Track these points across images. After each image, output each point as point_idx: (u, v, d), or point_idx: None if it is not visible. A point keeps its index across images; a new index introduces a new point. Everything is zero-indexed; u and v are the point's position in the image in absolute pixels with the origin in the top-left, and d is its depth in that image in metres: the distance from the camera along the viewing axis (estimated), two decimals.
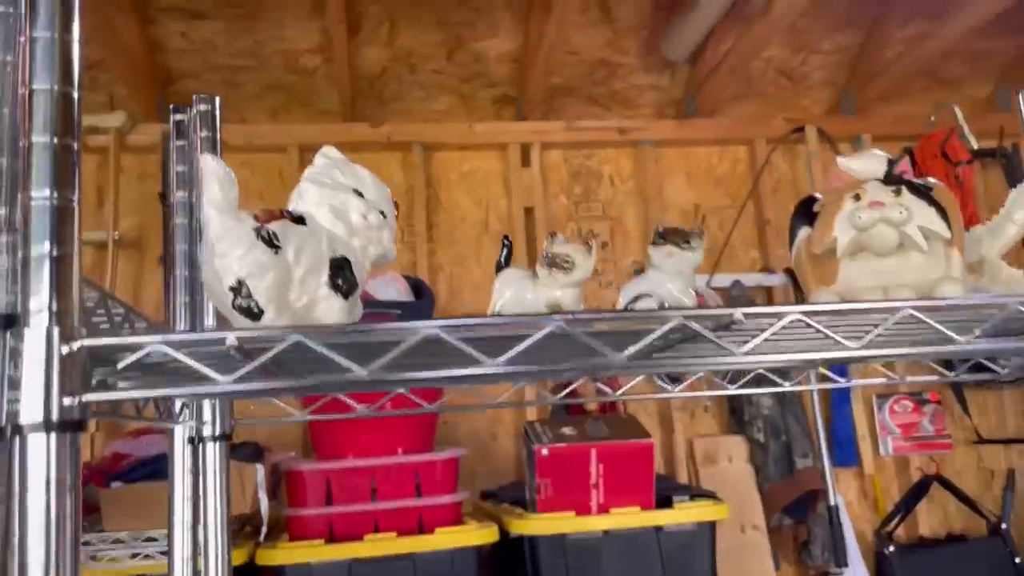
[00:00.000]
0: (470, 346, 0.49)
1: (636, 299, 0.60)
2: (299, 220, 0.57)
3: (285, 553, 1.96)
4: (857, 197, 0.60)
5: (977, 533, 2.93)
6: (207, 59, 2.96)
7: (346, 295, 0.57)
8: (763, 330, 0.49)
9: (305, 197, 0.59)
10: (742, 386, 0.96)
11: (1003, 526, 2.82)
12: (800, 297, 3.03)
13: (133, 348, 0.46)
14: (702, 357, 0.50)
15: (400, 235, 3.00)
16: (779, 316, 0.49)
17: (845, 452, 2.99)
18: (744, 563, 2.79)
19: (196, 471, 0.90)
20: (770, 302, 3.10)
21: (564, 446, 2.12)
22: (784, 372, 1.11)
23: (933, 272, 0.59)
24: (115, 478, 2.02)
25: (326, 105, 3.07)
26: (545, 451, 2.10)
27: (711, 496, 2.29)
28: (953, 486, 2.88)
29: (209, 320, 0.90)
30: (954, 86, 3.32)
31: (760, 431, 2.90)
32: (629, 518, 2.11)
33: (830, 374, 0.97)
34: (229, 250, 0.53)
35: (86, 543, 1.90)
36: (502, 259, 0.64)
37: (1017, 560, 2.77)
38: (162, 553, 1.88)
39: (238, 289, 0.53)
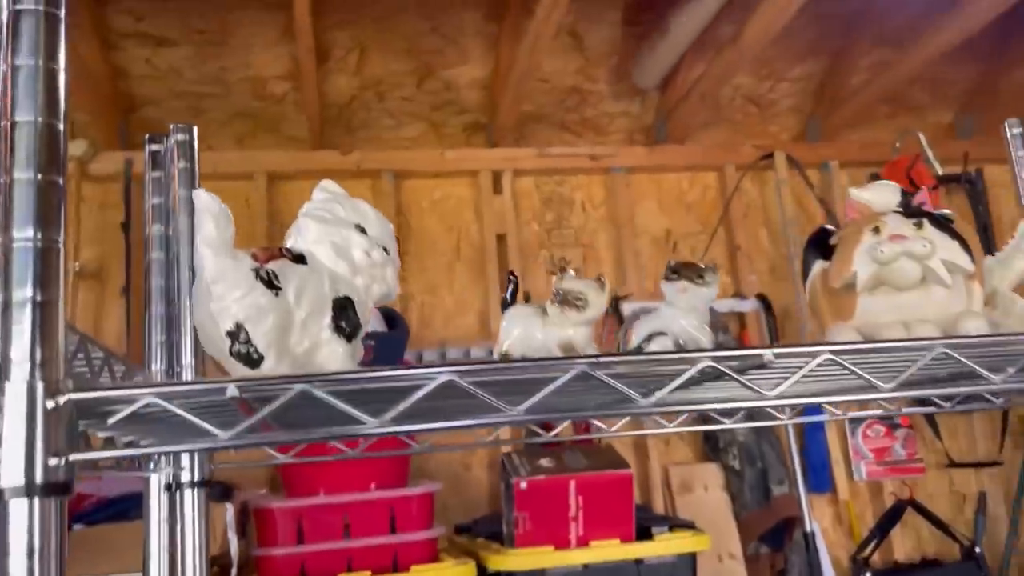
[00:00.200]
0: (484, 390, 0.46)
1: (649, 338, 0.58)
2: (299, 259, 0.54)
3: None
4: (877, 230, 0.58)
5: (951, 557, 2.94)
6: (172, 86, 2.91)
7: (349, 337, 0.54)
8: (792, 369, 0.47)
9: (305, 234, 0.56)
10: (735, 420, 0.94)
11: (976, 550, 2.83)
12: (773, 323, 3.05)
13: (126, 401, 0.42)
14: (731, 401, 0.47)
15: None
16: (811, 356, 0.47)
17: (820, 478, 2.98)
18: None
19: (173, 519, 0.86)
20: (743, 328, 3.11)
21: (543, 478, 2.08)
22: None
23: (954, 306, 0.57)
24: (77, 519, 1.94)
25: (294, 132, 3.03)
26: (524, 484, 2.06)
27: (690, 526, 2.27)
28: (926, 510, 2.89)
29: (187, 358, 0.85)
30: (917, 113, 3.38)
31: (735, 458, 2.89)
32: (609, 551, 2.07)
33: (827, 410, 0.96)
34: (227, 292, 0.49)
35: None
36: (509, 295, 0.61)
37: None
38: None
39: (236, 334, 0.49)
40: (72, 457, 0.40)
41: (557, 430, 1.03)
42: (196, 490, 0.85)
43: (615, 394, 0.46)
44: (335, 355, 0.52)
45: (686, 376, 0.45)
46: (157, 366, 0.86)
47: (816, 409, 0.94)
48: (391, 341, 2.26)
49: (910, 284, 0.57)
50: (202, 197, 0.50)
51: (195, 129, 0.92)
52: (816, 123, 3.33)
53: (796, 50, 3.11)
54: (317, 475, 2.05)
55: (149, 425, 0.55)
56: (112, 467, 0.70)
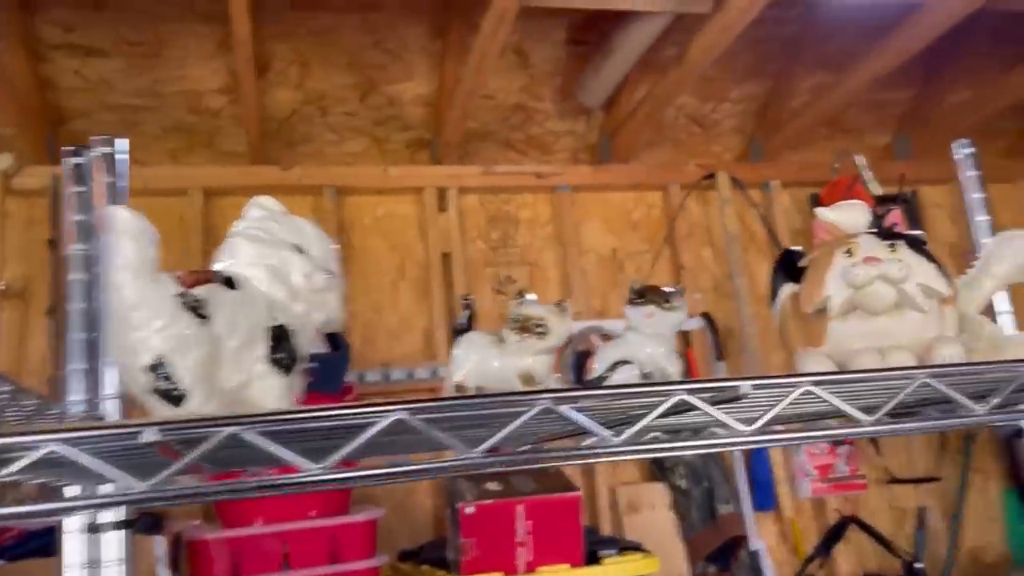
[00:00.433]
0: (438, 428, 0.41)
1: (614, 366, 0.54)
2: (231, 283, 0.49)
3: None
4: (849, 252, 0.56)
5: (893, 572, 2.97)
6: (102, 98, 2.80)
7: (287, 370, 0.49)
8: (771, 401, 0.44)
9: (237, 256, 0.51)
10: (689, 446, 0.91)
11: (917, 565, 2.86)
12: (717, 340, 3.06)
13: (25, 448, 0.37)
14: (708, 437, 0.44)
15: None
16: (789, 387, 0.43)
17: (764, 496, 2.99)
18: None
19: (94, 563, 0.78)
20: (688, 346, 3.11)
21: (490, 503, 2.03)
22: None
23: (929, 331, 0.55)
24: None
25: (232, 147, 2.95)
26: (470, 509, 2.00)
27: (639, 548, 2.24)
28: (868, 527, 2.91)
29: (109, 391, 0.79)
30: (856, 135, 3.44)
31: (682, 477, 2.88)
32: None
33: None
34: (146, 322, 0.44)
35: None
36: (464, 321, 0.56)
37: None
38: None
39: (156, 368, 0.44)
40: None
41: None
42: (120, 531, 0.78)
43: (578, 429, 0.43)
44: (271, 390, 0.47)
45: (659, 411, 0.41)
46: (75, 397, 0.79)
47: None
48: (333, 362, 2.19)
49: (884, 309, 0.54)
50: (120, 215, 0.45)
51: (119, 142, 0.86)
52: (758, 144, 3.37)
53: (739, 72, 3.15)
54: (254, 504, 1.97)
55: (60, 467, 0.49)
56: (17, 516, 0.63)
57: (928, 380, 0.45)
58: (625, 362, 0.53)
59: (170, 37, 2.72)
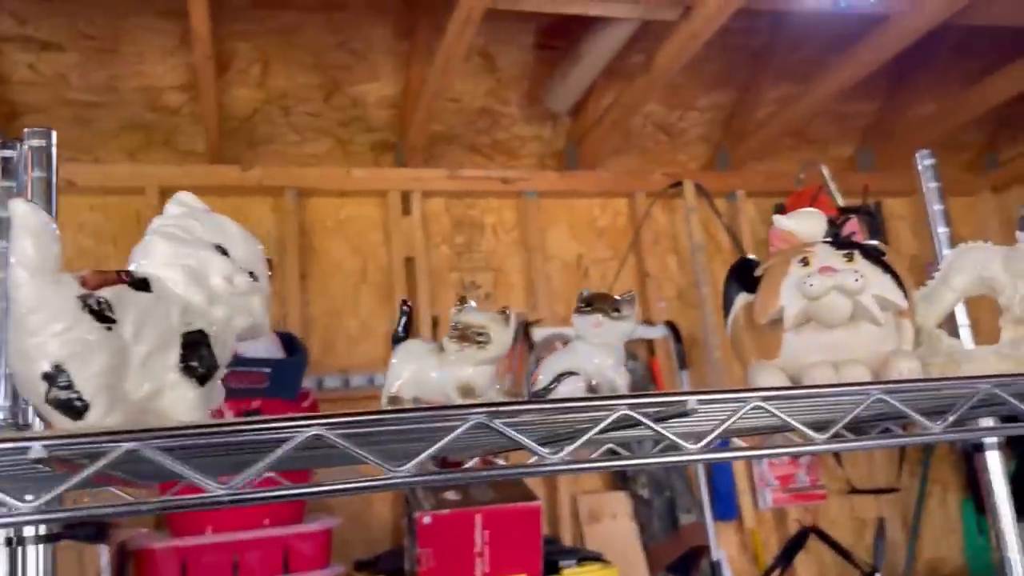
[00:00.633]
0: (363, 445, 0.38)
1: (559, 378, 0.51)
2: (142, 284, 0.45)
3: None
4: (805, 261, 0.53)
5: None
6: (57, 93, 2.72)
7: (202, 380, 0.45)
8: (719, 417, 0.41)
9: (152, 255, 0.47)
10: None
11: (876, 575, 2.87)
12: (681, 349, 3.05)
13: None
14: (650, 457, 0.41)
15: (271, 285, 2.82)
16: (738, 403, 0.41)
17: (726, 506, 2.99)
18: None
19: None
20: (651, 355, 3.10)
21: (447, 512, 2.00)
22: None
23: (884, 345, 0.53)
24: None
25: (191, 146, 2.89)
26: (427, 519, 1.97)
27: (598, 559, 2.22)
28: (828, 537, 2.92)
29: (2, 400, 0.74)
30: (820, 146, 3.46)
31: (644, 487, 2.86)
32: None
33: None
34: (44, 325, 0.40)
35: None
36: (400, 328, 0.53)
37: None
38: None
39: (55, 377, 0.40)
40: None
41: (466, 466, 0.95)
42: (43, 546, 0.74)
43: (518, 446, 0.40)
44: (182, 401, 0.44)
45: (601, 427, 0.39)
46: None
47: (725, 444, 0.89)
48: (288, 368, 2.15)
49: (840, 321, 0.52)
50: (18, 209, 0.41)
51: (54, 134, 0.81)
52: (724, 153, 3.37)
53: (706, 81, 3.15)
54: (205, 512, 1.92)
55: None
56: None
57: (883, 396, 0.43)
58: (571, 373, 0.50)
59: (128, 32, 2.65)
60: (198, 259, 0.47)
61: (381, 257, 2.97)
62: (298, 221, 2.89)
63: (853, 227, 0.56)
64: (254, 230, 0.60)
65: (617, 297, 0.52)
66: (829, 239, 0.56)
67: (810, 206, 3.13)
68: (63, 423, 0.41)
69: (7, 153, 0.84)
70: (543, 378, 0.51)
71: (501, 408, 0.38)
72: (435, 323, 2.93)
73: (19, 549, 0.75)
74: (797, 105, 3.01)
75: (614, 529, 2.86)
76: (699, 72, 3.05)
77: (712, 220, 3.24)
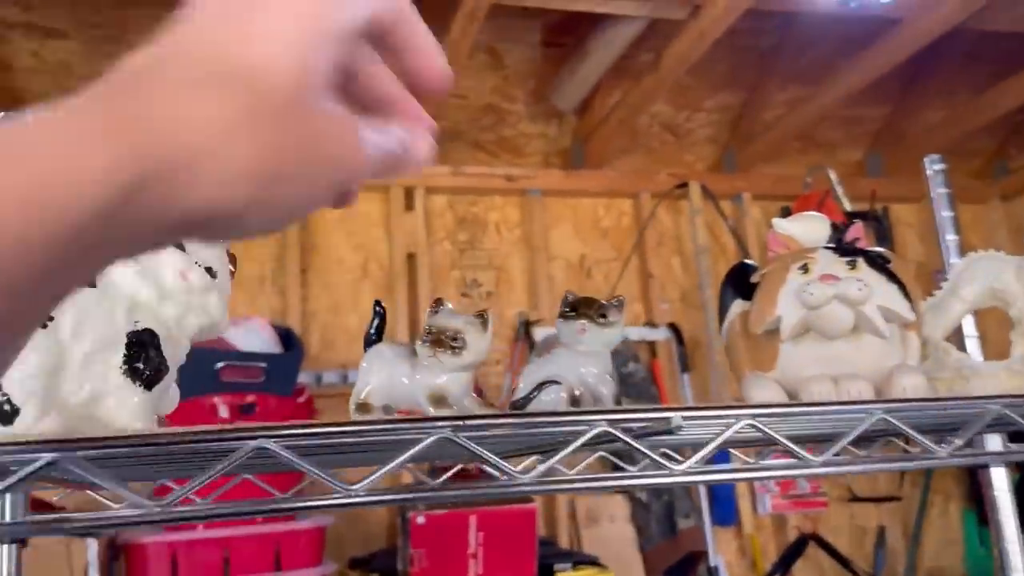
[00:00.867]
0: (310, 459, 0.36)
1: (540, 386, 0.48)
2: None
3: None
4: (805, 268, 0.50)
5: None
6: (61, 81, 2.70)
7: (149, 383, 0.42)
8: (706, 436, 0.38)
9: None
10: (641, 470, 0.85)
11: None
12: (683, 352, 3.02)
13: None
14: (631, 477, 0.38)
15: (271, 279, 2.80)
16: (728, 420, 0.38)
17: (725, 511, 2.95)
18: None
19: None
20: (653, 357, 3.07)
21: (441, 513, 1.97)
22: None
23: (889, 359, 0.50)
24: None
25: None
26: (421, 519, 1.94)
27: (594, 563, 2.19)
28: (828, 544, 2.89)
29: None
30: (828, 150, 3.43)
31: (643, 490, 2.83)
32: None
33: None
34: None
35: None
36: (372, 330, 0.50)
37: None
38: None
39: None
40: None
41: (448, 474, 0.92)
42: (9, 547, 0.71)
43: (487, 463, 0.37)
44: (125, 406, 0.41)
45: (578, 444, 0.36)
46: None
47: (724, 456, 0.86)
48: (284, 363, 2.12)
49: (841, 332, 0.49)
50: None
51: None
52: (731, 155, 3.34)
53: (714, 81, 3.11)
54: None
55: None
56: None
57: (886, 417, 0.40)
58: (553, 382, 0.47)
59: (132, 21, 2.63)
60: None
61: (382, 253, 2.95)
62: None
63: (858, 232, 0.53)
64: None
65: (604, 302, 0.49)
66: (831, 245, 0.53)
67: (817, 210, 3.09)
68: None
69: None
70: (523, 387, 0.48)
71: (467, 422, 0.35)
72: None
73: None
74: (806, 108, 2.98)
75: (612, 532, 2.83)
76: (707, 72, 3.01)
77: (717, 222, 3.21)
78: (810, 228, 0.54)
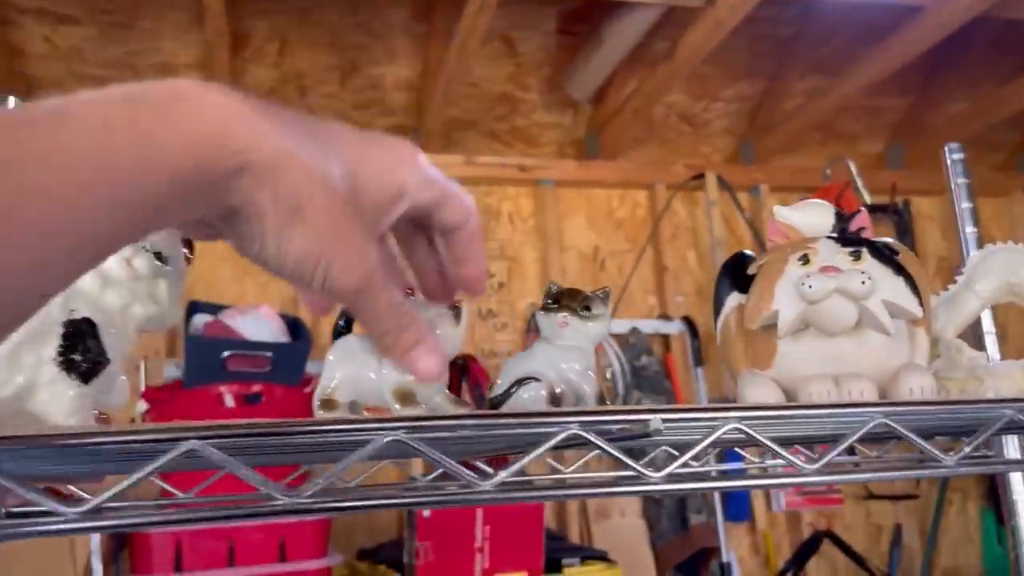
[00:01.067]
0: (246, 456, 0.33)
1: (519, 382, 0.45)
2: None
3: None
4: (805, 259, 0.47)
5: None
6: (73, 68, 2.70)
7: (86, 376, 0.39)
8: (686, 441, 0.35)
9: None
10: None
11: None
12: (697, 345, 2.98)
13: None
14: (603, 486, 0.35)
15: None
16: (712, 424, 0.35)
17: (738, 507, 2.92)
18: None
19: None
20: (667, 350, 3.03)
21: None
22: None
23: (895, 357, 0.46)
24: None
25: None
26: (427, 512, 1.92)
27: (603, 558, 2.16)
28: (843, 542, 2.85)
29: None
30: (848, 141, 3.36)
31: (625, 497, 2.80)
32: None
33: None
34: None
35: None
36: (342, 321, 0.47)
37: None
38: None
39: None
40: None
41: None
42: None
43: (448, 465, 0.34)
44: (58, 400, 0.38)
45: (548, 447, 0.33)
46: None
47: (737, 456, 0.83)
48: (292, 352, 2.10)
49: (843, 328, 0.46)
50: None
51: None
52: (749, 146, 3.28)
53: (731, 71, 3.06)
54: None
55: None
56: None
57: (887, 422, 0.37)
58: (533, 379, 0.44)
59: (145, 7, 2.62)
60: None
61: None
62: None
63: (863, 222, 0.49)
64: None
65: (588, 294, 0.46)
66: (835, 235, 0.49)
67: (836, 203, 3.05)
68: None
69: None
70: (500, 383, 0.45)
71: (422, 423, 0.32)
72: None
73: None
74: (825, 98, 2.92)
75: (623, 527, 2.80)
76: (724, 62, 2.96)
77: (734, 215, 3.16)
78: (813, 216, 0.50)
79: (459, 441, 0.36)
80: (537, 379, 0.44)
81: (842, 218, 0.50)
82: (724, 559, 2.71)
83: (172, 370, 2.39)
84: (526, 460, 0.33)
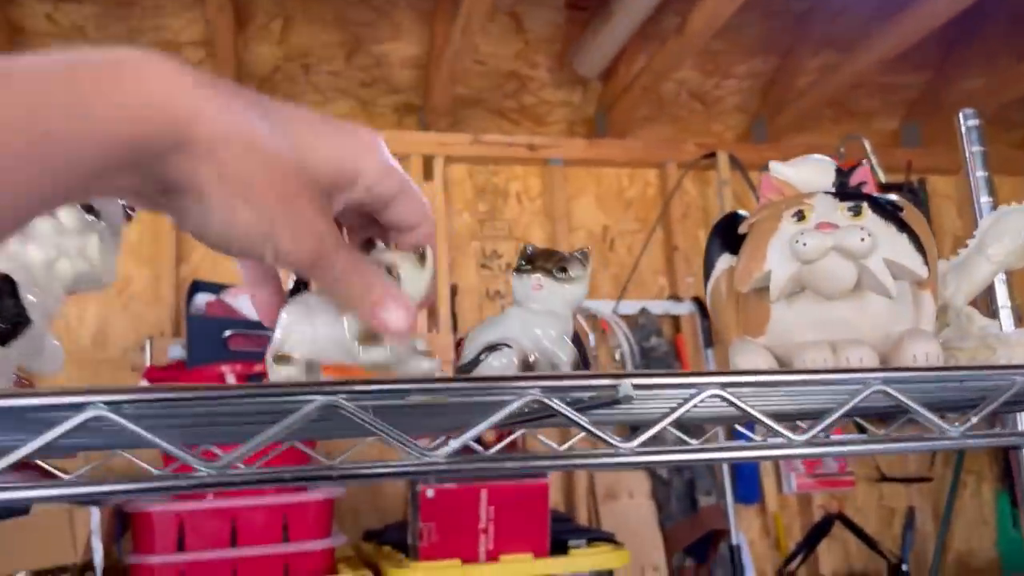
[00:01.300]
0: (166, 429, 0.30)
1: (489, 349, 0.42)
2: None
3: None
4: (800, 216, 0.43)
5: (878, 573, 2.87)
6: (75, 46, 2.67)
7: (4, 338, 0.37)
8: (665, 409, 0.32)
9: None
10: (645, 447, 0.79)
11: (903, 566, 2.75)
12: (708, 326, 2.94)
13: None
14: (566, 458, 0.32)
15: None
16: (689, 390, 0.32)
17: (748, 489, 2.89)
18: None
19: None
20: (677, 331, 2.99)
21: (451, 486, 1.93)
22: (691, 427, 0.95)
23: (898, 322, 0.43)
24: None
25: None
26: (431, 492, 1.90)
27: (610, 540, 2.14)
28: (854, 525, 2.81)
29: None
30: (863, 119, 3.30)
31: (663, 466, 2.77)
32: (520, 567, 1.93)
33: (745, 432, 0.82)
34: None
35: None
36: (295, 282, 0.44)
37: None
38: None
39: None
40: None
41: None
42: None
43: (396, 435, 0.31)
44: None
45: (502, 415, 0.30)
46: None
47: (746, 433, 0.80)
48: None
49: (840, 290, 0.42)
50: None
51: None
52: (761, 123, 3.23)
53: (743, 47, 3.00)
54: None
55: None
56: None
57: (884, 388, 0.33)
58: (504, 345, 0.41)
59: None
60: None
61: None
62: None
63: (864, 176, 0.46)
64: None
65: (566, 254, 0.43)
66: (832, 191, 0.45)
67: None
68: None
69: None
70: (468, 349, 0.42)
71: (360, 388, 0.29)
72: (454, 292, 2.85)
73: None
74: (839, 75, 2.85)
75: (631, 508, 2.77)
76: (736, 37, 2.90)
77: (746, 194, 3.11)
78: (810, 172, 0.47)
79: (422, 410, 0.33)
80: (508, 345, 0.41)
81: (841, 173, 0.46)
82: (734, 541, 2.68)
83: (177, 350, 2.38)
84: (477, 430, 0.30)
